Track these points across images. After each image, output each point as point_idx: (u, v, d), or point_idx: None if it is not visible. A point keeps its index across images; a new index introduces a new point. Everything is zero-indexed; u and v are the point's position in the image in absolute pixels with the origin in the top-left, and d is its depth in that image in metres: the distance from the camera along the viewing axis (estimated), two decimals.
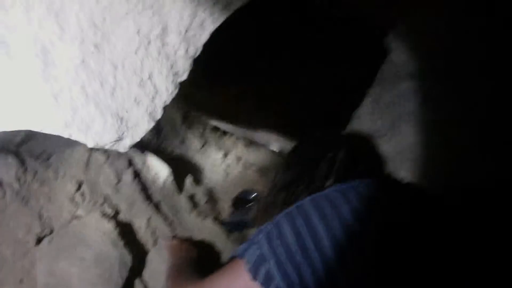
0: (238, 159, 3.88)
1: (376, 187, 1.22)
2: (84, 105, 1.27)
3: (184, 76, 1.37)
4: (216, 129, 4.09)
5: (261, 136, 2.98)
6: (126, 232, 2.20)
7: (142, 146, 2.83)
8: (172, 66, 1.33)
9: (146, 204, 2.45)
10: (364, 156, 1.57)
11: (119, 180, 2.41)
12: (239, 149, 4.09)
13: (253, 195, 2.41)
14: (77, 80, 1.24)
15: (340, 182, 1.28)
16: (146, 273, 2.18)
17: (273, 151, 4.10)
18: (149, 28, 1.27)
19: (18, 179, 2.14)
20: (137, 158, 2.63)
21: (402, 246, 1.08)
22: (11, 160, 2.14)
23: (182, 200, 2.72)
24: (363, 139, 2.04)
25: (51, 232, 2.10)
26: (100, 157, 2.40)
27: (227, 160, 3.73)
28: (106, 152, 2.47)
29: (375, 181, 1.25)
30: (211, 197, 2.98)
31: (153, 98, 1.34)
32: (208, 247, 2.40)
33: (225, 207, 2.73)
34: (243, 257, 1.16)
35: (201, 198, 2.88)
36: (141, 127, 1.37)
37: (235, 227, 2.38)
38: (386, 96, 2.15)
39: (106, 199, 2.34)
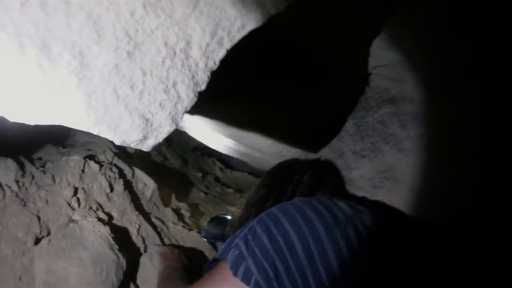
0: (216, 179, 4.04)
1: (335, 198, 1.37)
2: (115, 105, 1.41)
3: (203, 87, 1.53)
4: (194, 150, 4.25)
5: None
6: (121, 236, 2.30)
7: (129, 159, 2.96)
8: (193, 77, 1.50)
9: (136, 214, 2.56)
10: (330, 179, 1.75)
11: (111, 189, 2.52)
12: (217, 171, 4.26)
13: (230, 217, 2.54)
14: (110, 83, 1.39)
15: None
16: (139, 277, 2.27)
17: (249, 173, 4.28)
18: (175, 41, 1.44)
19: (17, 182, 2.24)
20: (127, 170, 2.76)
21: (361, 243, 1.22)
22: (10, 164, 2.24)
23: (169, 213, 2.85)
24: (331, 162, 2.19)
25: (49, 233, 2.19)
26: (94, 166, 2.52)
27: (207, 179, 3.89)
28: (99, 162, 2.60)
29: (335, 195, 1.43)
30: (194, 212, 3.12)
31: (176, 103, 1.50)
32: (197, 255, 2.51)
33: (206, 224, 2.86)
34: (224, 258, 1.27)
35: (185, 212, 3.02)
36: (164, 129, 1.52)
37: (211, 237, 2.49)
38: (368, 119, 2.34)
39: (99, 206, 2.44)
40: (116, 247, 2.20)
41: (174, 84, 1.46)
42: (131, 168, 2.71)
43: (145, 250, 2.39)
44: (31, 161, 2.38)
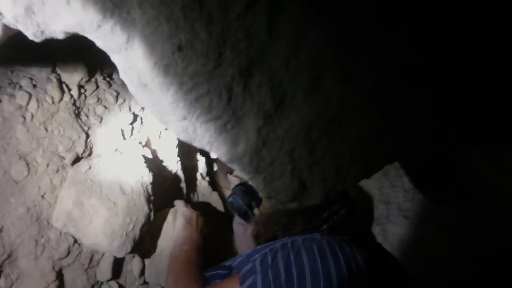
0: None
1: (356, 246, 1.40)
2: (284, 163, 1.19)
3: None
4: None
5: None
6: (157, 182, 2.05)
7: None
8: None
9: (176, 160, 2.31)
10: (360, 221, 1.74)
11: (167, 128, 2.28)
12: None
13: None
14: (293, 141, 1.17)
15: (331, 230, 1.48)
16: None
17: None
18: None
19: (79, 87, 1.93)
20: None
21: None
22: (80, 65, 1.90)
23: (202, 162, 2.65)
24: (371, 203, 2.19)
25: (90, 154, 1.90)
26: None
27: None
28: None
29: (353, 240, 1.45)
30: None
31: (339, 182, 1.31)
32: (214, 223, 2.36)
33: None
34: (240, 270, 1.34)
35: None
36: (312, 201, 1.36)
37: (235, 207, 2.34)
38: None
39: (149, 141, 2.17)
40: (152, 199, 1.98)
41: (348, 167, 1.25)
42: None
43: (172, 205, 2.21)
44: (101, 67, 2.05)
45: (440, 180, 2.29)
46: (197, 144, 1.11)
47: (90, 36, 1.02)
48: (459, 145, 2.04)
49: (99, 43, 1.03)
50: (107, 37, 0.99)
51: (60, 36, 1.03)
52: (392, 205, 2.25)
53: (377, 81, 1.19)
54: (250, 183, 1.25)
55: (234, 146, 1.10)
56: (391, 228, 2.19)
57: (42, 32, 1.03)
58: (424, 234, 2.14)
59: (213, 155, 2.59)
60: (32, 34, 1.04)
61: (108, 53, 1.04)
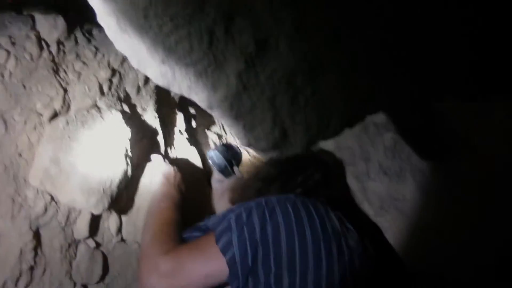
0: None
1: (330, 207, 1.42)
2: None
3: None
4: None
5: None
6: (135, 138, 2.04)
7: None
8: None
9: (154, 116, 2.28)
10: (335, 185, 1.80)
11: (146, 82, 2.25)
12: None
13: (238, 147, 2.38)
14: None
15: (306, 194, 1.47)
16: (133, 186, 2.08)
17: None
18: None
19: (58, 44, 1.90)
20: None
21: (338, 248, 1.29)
22: (60, 22, 1.86)
23: (180, 118, 2.63)
24: (343, 168, 2.20)
25: (68, 110, 1.86)
26: None
27: None
28: None
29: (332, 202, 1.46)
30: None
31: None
32: (195, 176, 2.37)
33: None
34: (215, 229, 1.34)
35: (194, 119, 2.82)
36: (293, 150, 1.37)
37: (215, 162, 2.33)
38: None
39: (127, 97, 2.13)
40: (130, 155, 1.96)
41: (330, 116, 1.27)
42: None
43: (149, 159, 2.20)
44: (81, 23, 2.01)
45: (424, 138, 2.31)
46: (176, 89, 1.11)
47: None
48: (442, 99, 2.05)
49: None
50: None
51: None
52: (373, 162, 2.26)
53: (362, 35, 1.20)
54: (230, 131, 1.25)
55: (214, 91, 1.10)
56: (371, 185, 2.21)
57: None
58: (405, 191, 2.15)
59: (192, 109, 2.58)
60: None
61: None
